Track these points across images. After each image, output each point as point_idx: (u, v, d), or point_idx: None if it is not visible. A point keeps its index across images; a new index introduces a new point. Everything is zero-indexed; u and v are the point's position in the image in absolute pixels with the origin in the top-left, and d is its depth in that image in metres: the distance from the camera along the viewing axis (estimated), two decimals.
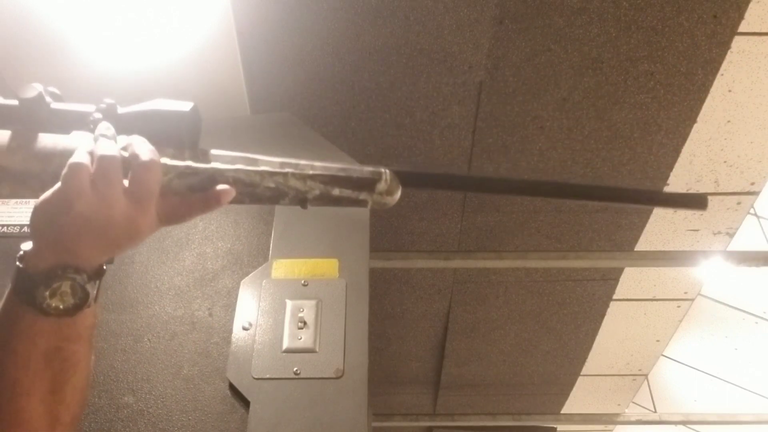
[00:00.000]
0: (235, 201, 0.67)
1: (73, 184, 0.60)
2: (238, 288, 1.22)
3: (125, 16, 1.45)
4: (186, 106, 0.68)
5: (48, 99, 0.67)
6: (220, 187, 0.66)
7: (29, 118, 0.66)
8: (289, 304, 1.17)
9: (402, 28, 1.92)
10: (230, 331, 1.16)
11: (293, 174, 0.67)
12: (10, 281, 0.62)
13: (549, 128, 2.31)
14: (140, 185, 0.63)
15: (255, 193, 0.67)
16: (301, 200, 0.67)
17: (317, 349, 1.11)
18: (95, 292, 0.64)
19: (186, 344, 1.17)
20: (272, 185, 0.67)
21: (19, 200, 1.38)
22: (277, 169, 0.67)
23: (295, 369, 1.09)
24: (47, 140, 0.65)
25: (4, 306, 0.62)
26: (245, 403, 1.07)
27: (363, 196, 0.68)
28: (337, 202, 0.68)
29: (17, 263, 0.62)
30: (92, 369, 0.66)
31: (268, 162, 0.67)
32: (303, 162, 0.68)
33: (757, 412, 4.08)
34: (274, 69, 2.00)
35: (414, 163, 2.43)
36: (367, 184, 0.68)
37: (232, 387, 1.10)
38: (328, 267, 1.23)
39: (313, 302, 1.17)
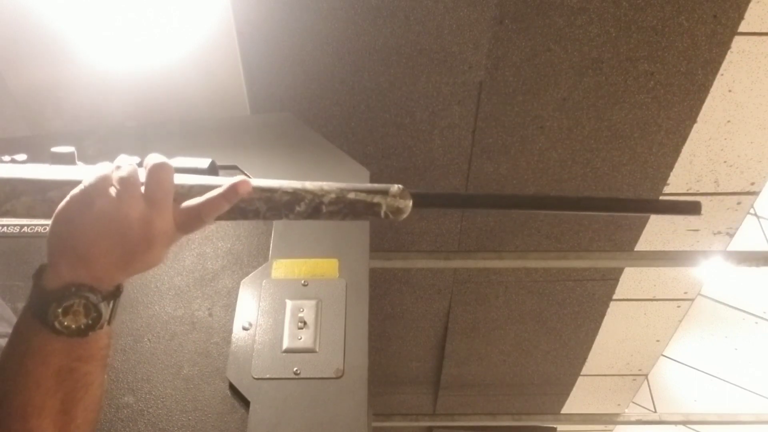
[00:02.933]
0: (251, 212, 0.69)
1: (95, 184, 0.62)
2: (238, 288, 1.22)
3: (125, 16, 1.45)
4: (204, 162, 0.71)
5: (78, 162, 0.71)
6: (236, 177, 0.67)
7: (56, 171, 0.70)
8: (289, 304, 1.17)
9: (402, 28, 1.92)
10: (230, 331, 1.16)
11: (310, 185, 0.70)
12: (27, 298, 0.62)
13: (549, 128, 2.31)
14: (155, 185, 0.63)
15: (272, 198, 0.69)
16: (318, 204, 0.70)
17: (317, 349, 1.11)
18: (109, 313, 0.63)
19: (186, 344, 1.17)
20: (290, 190, 0.70)
21: None
22: (295, 183, 0.70)
23: (295, 369, 1.09)
24: (72, 169, 0.69)
25: (19, 323, 0.62)
26: (245, 403, 1.07)
27: (377, 198, 0.70)
28: (352, 205, 0.70)
29: (35, 277, 0.62)
30: (105, 388, 0.66)
31: (286, 183, 0.71)
32: (319, 182, 0.72)
33: (757, 412, 4.08)
34: (274, 69, 2.00)
35: (414, 163, 2.43)
36: (380, 189, 0.71)
37: (232, 387, 1.10)
38: (328, 267, 1.23)
39: (313, 302, 1.17)
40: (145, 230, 0.63)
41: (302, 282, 1.20)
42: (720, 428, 4.38)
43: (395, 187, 0.71)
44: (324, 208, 0.70)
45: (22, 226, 1.35)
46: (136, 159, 0.67)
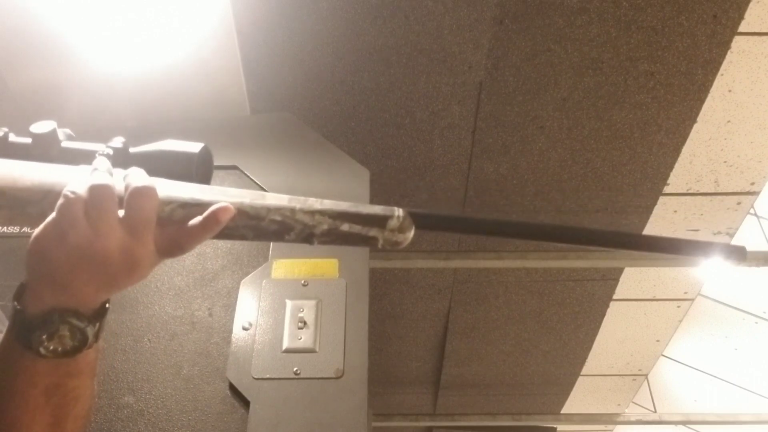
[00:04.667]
0: (236, 234, 0.64)
1: (66, 214, 0.58)
2: (238, 288, 1.22)
3: (125, 16, 1.45)
4: (196, 147, 0.67)
5: (61, 137, 0.67)
6: (217, 205, 0.62)
7: (40, 155, 0.65)
8: (289, 304, 1.17)
9: (402, 28, 1.92)
10: (230, 331, 1.16)
11: (301, 209, 0.64)
12: (9, 320, 0.60)
13: (549, 128, 2.31)
14: (135, 212, 0.59)
15: (260, 226, 0.64)
16: (308, 235, 0.64)
17: (317, 349, 1.11)
18: (95, 333, 0.60)
19: (186, 344, 1.17)
20: (278, 218, 0.64)
21: None
22: (285, 204, 0.64)
23: (295, 369, 1.09)
24: (51, 170, 0.64)
25: (3, 344, 0.60)
26: (245, 403, 1.07)
27: (373, 232, 0.64)
28: (346, 238, 0.65)
29: (14, 303, 0.59)
30: (95, 395, 0.65)
31: (276, 197, 0.65)
32: (312, 199, 0.65)
33: (757, 412, 4.08)
34: (274, 69, 2.00)
35: (414, 163, 2.43)
36: (378, 220, 0.64)
37: (232, 387, 1.10)
38: (328, 267, 1.23)
39: (313, 302, 1.17)
40: (125, 258, 0.59)
41: (302, 282, 1.20)
42: (720, 428, 4.38)
43: (395, 220, 0.64)
44: (315, 240, 0.64)
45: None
46: (109, 168, 0.62)
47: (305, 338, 1.12)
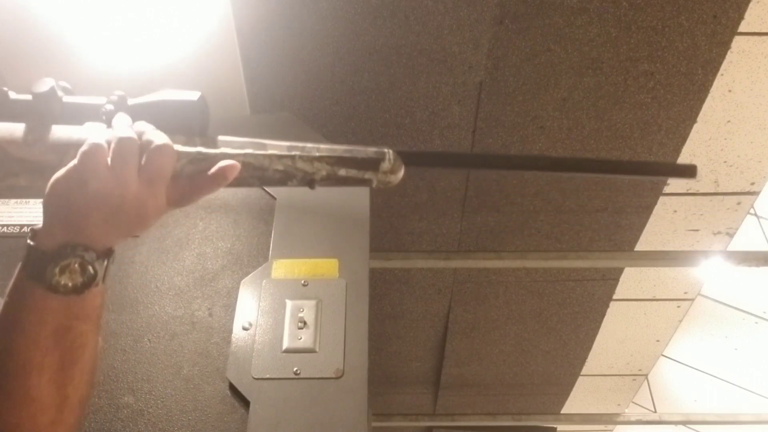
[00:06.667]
0: (244, 184, 0.69)
1: (90, 162, 0.62)
2: (238, 288, 1.22)
3: (125, 16, 1.45)
4: (194, 95, 0.71)
5: (60, 93, 0.70)
6: (224, 162, 0.68)
7: (43, 112, 0.68)
8: (289, 304, 1.17)
9: (402, 28, 1.92)
10: (230, 331, 1.16)
11: (300, 156, 0.69)
12: (21, 259, 0.63)
13: (549, 128, 2.31)
14: (154, 168, 0.64)
15: (264, 176, 0.69)
16: (309, 181, 0.69)
17: (317, 349, 1.11)
18: (103, 271, 0.65)
19: (186, 344, 1.17)
20: (281, 168, 0.69)
21: (19, 200, 1.38)
22: (285, 152, 0.69)
23: (295, 369, 1.09)
24: (62, 132, 0.68)
25: (14, 284, 0.63)
26: (245, 403, 1.07)
27: (368, 175, 0.70)
28: (343, 182, 0.70)
29: (28, 240, 0.63)
30: (100, 351, 0.67)
31: (276, 146, 0.70)
32: (309, 145, 0.70)
33: (757, 412, 4.08)
34: (274, 69, 2.00)
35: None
36: (372, 163, 0.70)
37: (232, 387, 1.10)
38: (328, 267, 1.23)
39: (313, 302, 1.17)
40: (138, 208, 0.64)
41: (302, 282, 1.20)
42: (720, 428, 4.38)
43: (387, 162, 0.70)
44: (315, 184, 0.70)
45: (22, 226, 1.35)
46: (129, 122, 0.66)
47: (305, 338, 1.12)
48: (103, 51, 1.50)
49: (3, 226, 1.35)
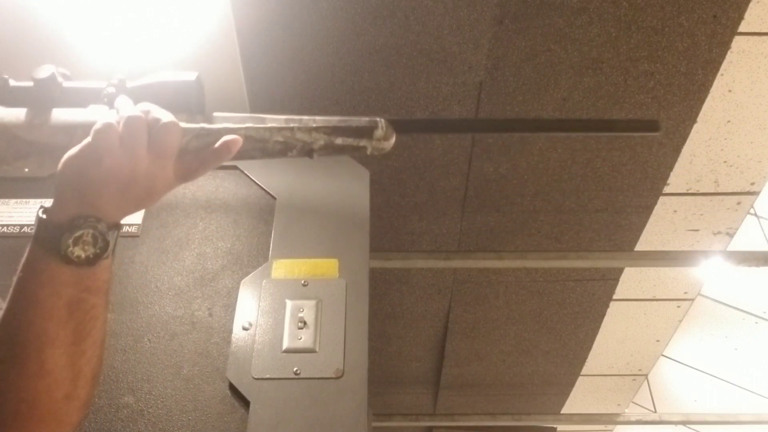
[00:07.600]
0: (246, 156, 0.73)
1: (104, 139, 0.65)
2: (238, 288, 1.22)
3: (125, 16, 1.45)
4: (191, 75, 0.75)
5: (60, 79, 0.73)
6: (228, 136, 0.72)
7: (44, 97, 0.71)
8: (289, 304, 1.17)
9: (402, 28, 1.92)
10: (230, 331, 1.16)
11: (299, 128, 0.73)
12: (33, 233, 0.65)
13: None
14: (162, 144, 0.68)
15: (266, 147, 0.73)
16: (308, 151, 0.74)
17: (317, 349, 1.11)
18: (114, 242, 0.67)
19: (186, 344, 1.17)
20: (281, 139, 0.73)
21: (19, 200, 1.38)
22: (284, 125, 0.73)
23: (295, 369, 1.09)
24: (68, 114, 0.71)
25: (27, 258, 0.65)
26: (245, 403, 1.07)
27: (363, 143, 0.75)
28: (340, 150, 0.75)
29: (40, 215, 0.65)
30: (108, 327, 0.70)
31: (275, 119, 0.74)
32: (306, 117, 0.74)
33: (757, 412, 4.08)
34: (274, 69, 2.00)
35: (414, 163, 2.43)
36: (366, 131, 0.75)
37: (232, 387, 1.10)
38: (328, 267, 1.23)
39: (313, 302, 1.17)
40: (148, 183, 0.68)
41: (302, 282, 1.20)
42: (720, 428, 4.38)
43: (380, 130, 0.75)
44: (314, 154, 0.74)
45: (22, 226, 1.35)
46: (131, 104, 0.70)
47: (305, 338, 1.12)
48: (103, 51, 1.50)
49: (3, 226, 1.35)
